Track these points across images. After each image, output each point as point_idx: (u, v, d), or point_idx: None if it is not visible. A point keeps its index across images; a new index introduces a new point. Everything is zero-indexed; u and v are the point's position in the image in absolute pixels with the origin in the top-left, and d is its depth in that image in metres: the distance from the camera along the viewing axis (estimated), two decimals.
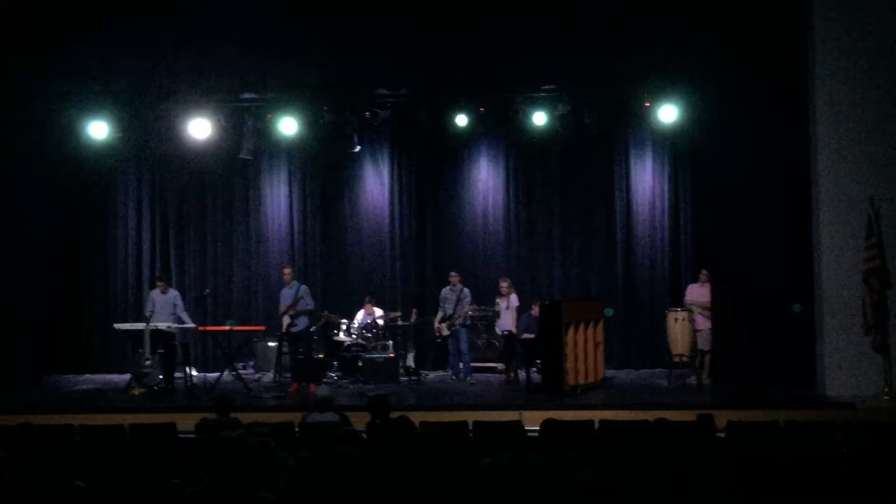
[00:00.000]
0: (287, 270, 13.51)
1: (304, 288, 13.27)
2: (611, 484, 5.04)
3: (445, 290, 13.80)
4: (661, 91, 13.71)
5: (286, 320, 13.15)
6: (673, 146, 14.83)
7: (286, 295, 13.31)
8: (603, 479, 5.07)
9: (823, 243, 12.03)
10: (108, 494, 5.22)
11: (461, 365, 13.62)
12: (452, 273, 13.82)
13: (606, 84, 13.93)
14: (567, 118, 14.03)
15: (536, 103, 14.03)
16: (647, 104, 13.91)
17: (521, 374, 13.13)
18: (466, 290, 13.68)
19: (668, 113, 13.65)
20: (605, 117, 14.19)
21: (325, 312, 13.96)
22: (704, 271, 13.27)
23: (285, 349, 13.47)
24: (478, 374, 14.03)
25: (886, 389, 11.47)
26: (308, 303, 13.23)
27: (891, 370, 11.53)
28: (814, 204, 12.23)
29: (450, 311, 13.59)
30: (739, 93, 12.76)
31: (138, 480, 5.51)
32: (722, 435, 8.02)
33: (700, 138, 13.82)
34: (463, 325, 13.57)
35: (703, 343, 12.88)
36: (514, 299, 13.56)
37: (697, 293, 13.12)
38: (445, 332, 13.66)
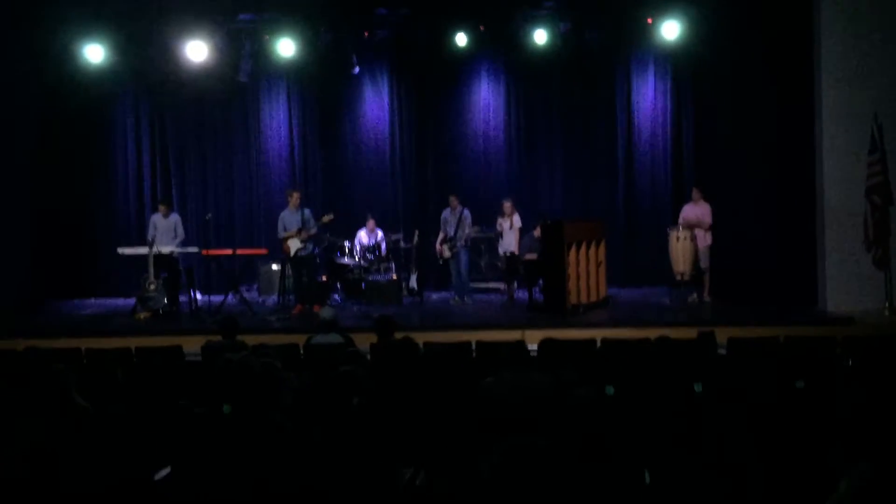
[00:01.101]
0: (296, 195, 13.34)
1: (308, 212, 13.22)
2: (610, 401, 5.10)
3: (446, 212, 13.79)
4: (664, 7, 13.52)
5: (294, 244, 13.10)
6: (675, 63, 14.66)
7: (290, 220, 13.24)
8: (601, 397, 5.13)
9: (826, 159, 11.98)
10: (117, 416, 5.29)
11: (461, 286, 13.67)
12: (452, 196, 13.77)
13: (608, 0, 13.72)
14: (568, 36, 13.86)
15: (537, 21, 13.84)
16: (650, 20, 13.73)
17: (524, 294, 13.20)
18: (467, 212, 13.65)
19: (670, 29, 13.48)
20: (606, 35, 14.02)
21: (328, 235, 13.96)
22: (696, 190, 13.21)
23: (289, 272, 13.51)
24: (480, 296, 14.11)
25: (887, 304, 11.55)
26: (314, 225, 13.21)
27: (891, 285, 11.59)
28: (817, 119, 12.15)
29: (451, 233, 13.59)
30: (742, 8, 12.58)
31: (146, 402, 5.59)
32: (723, 352, 8.09)
33: (702, 55, 13.69)
34: (464, 247, 13.59)
35: (703, 261, 12.90)
36: (516, 220, 13.54)
37: (691, 212, 13.07)
38: (447, 254, 13.67)
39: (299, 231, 13.03)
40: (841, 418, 4.49)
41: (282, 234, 13.23)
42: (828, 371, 6.05)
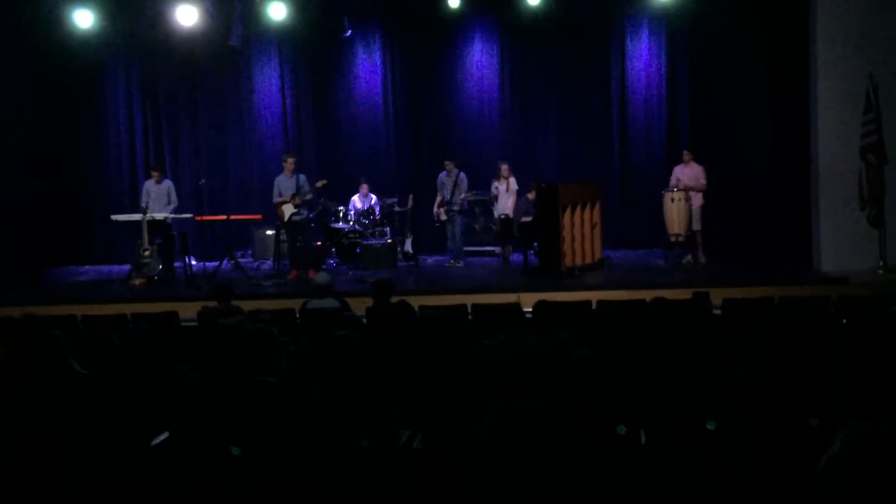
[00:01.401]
0: (291, 160, 13.29)
1: (303, 177, 13.17)
2: (606, 362, 5.12)
3: (443, 175, 13.74)
4: None
5: (289, 209, 13.07)
6: (670, 24, 14.53)
7: (285, 185, 13.19)
8: (598, 357, 5.15)
9: (821, 119, 11.96)
10: (114, 382, 5.30)
11: (457, 249, 13.67)
12: (446, 160, 13.71)
13: None
14: None
15: None
16: None
17: (519, 257, 13.21)
18: (463, 175, 13.60)
19: None
20: None
21: (322, 200, 13.93)
22: (687, 151, 13.18)
23: (283, 237, 13.49)
24: (475, 259, 14.12)
25: (881, 264, 11.58)
26: (308, 191, 13.17)
27: (885, 245, 11.61)
28: (812, 79, 12.12)
29: (447, 197, 13.57)
30: None
31: (143, 367, 5.59)
32: (718, 312, 8.12)
33: (697, 16, 13.61)
34: (459, 212, 13.55)
35: (696, 223, 12.89)
36: (513, 182, 13.48)
37: (682, 173, 13.05)
38: (444, 217, 13.66)
39: (293, 196, 12.99)
40: (836, 377, 4.51)
41: (276, 199, 13.19)
42: (822, 331, 6.07)
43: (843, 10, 11.72)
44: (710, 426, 4.33)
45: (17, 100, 14.01)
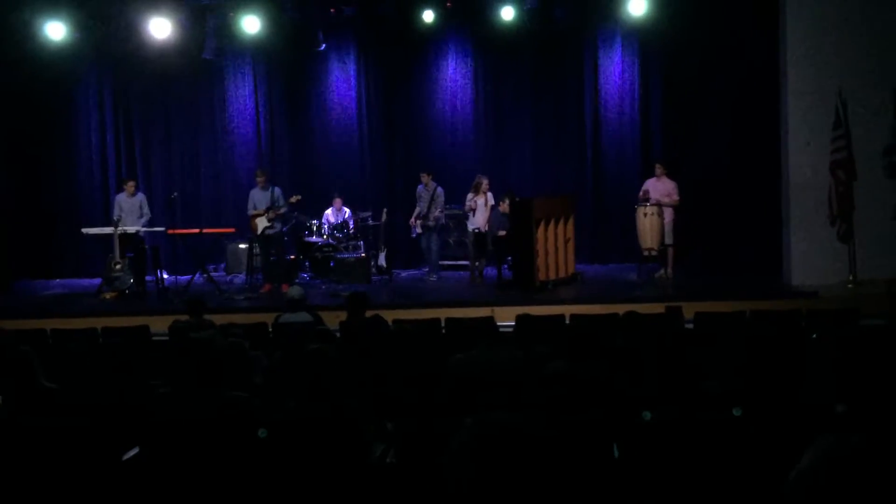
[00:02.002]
0: (261, 178, 13.26)
1: (278, 190, 13.14)
2: (580, 375, 5.13)
3: (420, 188, 13.71)
4: None
5: (262, 223, 13.03)
6: (642, 40, 14.63)
7: (259, 198, 13.16)
8: (572, 371, 5.16)
9: (791, 134, 12.08)
10: (83, 395, 5.25)
11: (433, 263, 13.67)
12: (424, 174, 13.71)
13: None
14: (535, 13, 13.81)
15: None
16: None
17: (492, 271, 13.21)
18: (440, 190, 13.57)
19: (637, 5, 13.45)
20: (573, 11, 14.00)
21: (296, 214, 13.89)
22: (659, 165, 13.19)
23: (256, 251, 13.44)
24: (449, 273, 14.12)
25: (850, 278, 11.69)
26: (283, 204, 13.14)
27: (855, 260, 11.73)
28: (782, 95, 12.24)
29: (424, 210, 13.55)
30: None
31: (113, 382, 5.55)
32: (690, 326, 8.16)
33: (669, 31, 13.72)
34: (433, 229, 13.53)
35: (668, 237, 12.93)
36: (490, 197, 13.42)
37: (653, 187, 13.06)
38: (419, 230, 13.65)
39: (268, 210, 12.96)
40: (806, 391, 4.55)
41: (251, 211, 13.17)
42: (793, 344, 6.13)
43: (813, 27, 11.85)
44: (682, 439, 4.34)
45: None
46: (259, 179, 13.24)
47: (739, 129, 13.22)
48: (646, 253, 12.90)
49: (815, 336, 6.61)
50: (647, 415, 4.37)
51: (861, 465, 2.40)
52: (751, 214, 13.10)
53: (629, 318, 6.39)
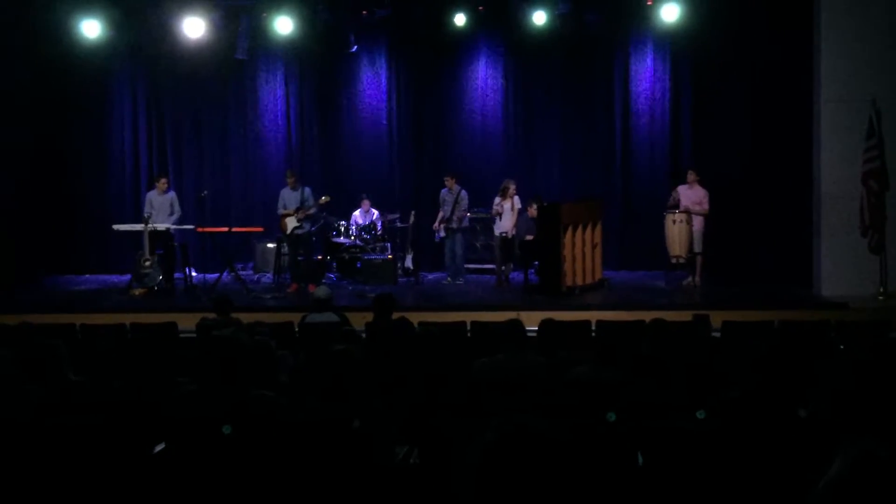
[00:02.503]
0: (291, 179, 13.34)
1: (308, 191, 13.22)
2: (605, 381, 5.11)
3: (444, 192, 13.73)
4: None
5: (291, 223, 13.12)
6: (674, 46, 14.56)
7: (289, 197, 13.25)
8: (597, 377, 5.15)
9: (824, 143, 11.98)
10: (110, 390, 5.29)
11: (455, 268, 13.65)
12: (446, 177, 13.72)
13: None
14: (567, 17, 13.77)
15: (536, 2, 13.75)
16: (650, 2, 13.67)
17: (518, 275, 13.19)
18: (464, 193, 13.58)
19: (670, 11, 13.40)
20: (605, 16, 13.98)
21: (324, 214, 13.95)
22: (692, 171, 13.11)
23: (284, 250, 13.50)
24: (475, 276, 14.09)
25: (881, 290, 11.57)
26: (312, 205, 13.21)
27: (886, 271, 11.61)
28: (815, 103, 12.14)
29: (448, 214, 13.56)
30: None
31: (140, 378, 5.59)
32: (717, 335, 8.11)
33: (701, 37, 13.65)
34: (458, 230, 13.53)
35: (697, 245, 12.85)
36: (517, 201, 13.39)
37: (685, 194, 12.99)
38: (443, 234, 13.65)
39: (297, 210, 13.04)
40: (833, 403, 4.50)
41: (280, 211, 13.25)
42: (821, 356, 6.07)
43: (848, 35, 11.75)
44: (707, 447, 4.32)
45: (22, 108, 14.03)
46: (289, 180, 13.36)
47: (769, 137, 13.13)
48: (674, 260, 12.83)
49: (842, 347, 6.55)
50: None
51: (890, 477, 2.38)
52: (780, 223, 13.01)
53: (656, 326, 6.36)
